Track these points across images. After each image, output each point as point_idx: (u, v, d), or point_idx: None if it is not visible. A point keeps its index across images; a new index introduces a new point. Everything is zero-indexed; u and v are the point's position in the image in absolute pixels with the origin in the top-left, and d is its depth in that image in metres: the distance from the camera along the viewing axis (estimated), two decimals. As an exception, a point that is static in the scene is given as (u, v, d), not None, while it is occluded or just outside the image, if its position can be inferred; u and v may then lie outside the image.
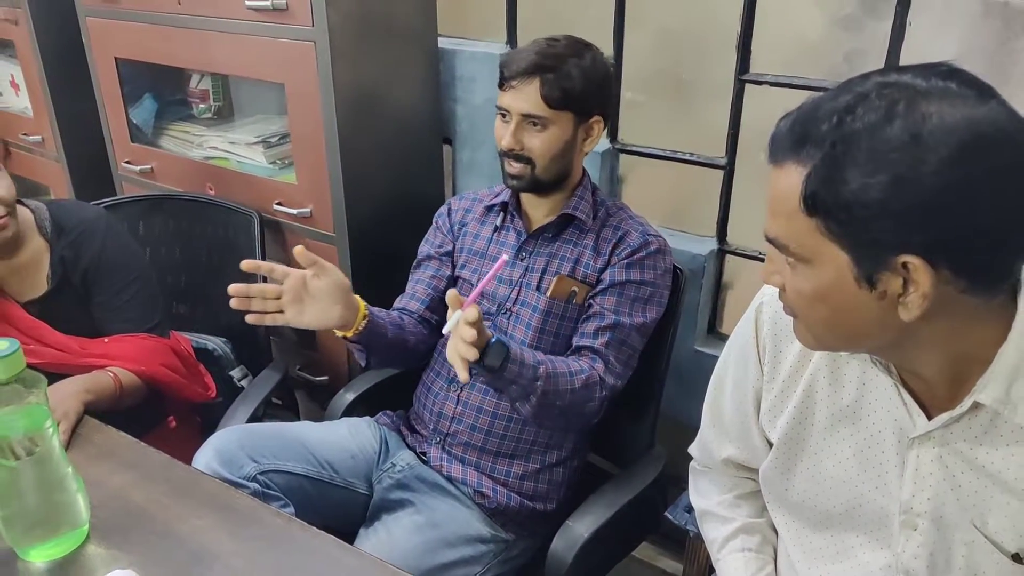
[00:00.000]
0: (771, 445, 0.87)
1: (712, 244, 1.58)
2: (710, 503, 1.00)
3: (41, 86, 2.01)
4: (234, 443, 1.18)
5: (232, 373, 1.54)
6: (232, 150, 1.76)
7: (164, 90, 1.94)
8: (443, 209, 1.43)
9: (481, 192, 1.41)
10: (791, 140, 0.63)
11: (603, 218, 1.31)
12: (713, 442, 0.99)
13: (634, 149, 1.63)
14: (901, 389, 0.74)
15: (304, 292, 1.10)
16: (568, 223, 1.31)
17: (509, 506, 1.27)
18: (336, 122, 1.47)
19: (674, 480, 1.30)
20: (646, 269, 1.27)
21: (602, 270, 1.28)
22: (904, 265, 0.61)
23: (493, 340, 1.07)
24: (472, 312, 0.99)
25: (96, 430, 1.13)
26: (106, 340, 1.35)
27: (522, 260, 1.32)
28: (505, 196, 1.35)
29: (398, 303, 1.38)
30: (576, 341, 1.26)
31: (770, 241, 0.68)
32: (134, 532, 0.93)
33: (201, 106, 1.94)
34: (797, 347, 0.82)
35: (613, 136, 1.64)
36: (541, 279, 1.29)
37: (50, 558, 0.90)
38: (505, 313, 1.31)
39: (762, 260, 1.33)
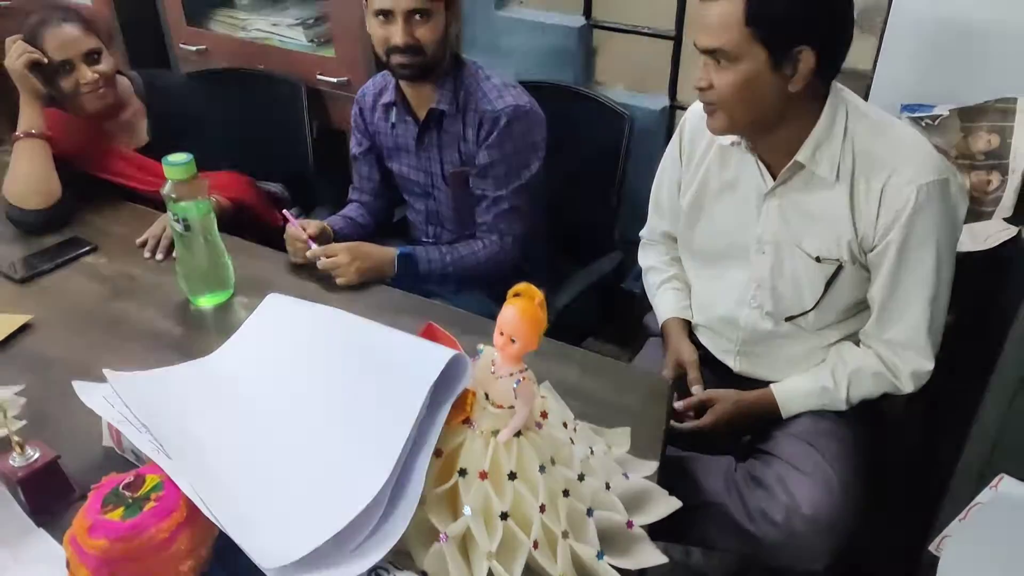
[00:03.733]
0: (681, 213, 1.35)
1: (665, 101, 2.00)
2: (654, 262, 1.50)
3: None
4: None
5: (290, 211, 1.96)
6: (275, 31, 2.13)
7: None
8: (355, 109, 1.67)
9: (374, 84, 1.64)
10: None
11: (464, 101, 1.50)
12: (654, 220, 1.48)
13: (604, 24, 2.01)
14: (759, 162, 1.20)
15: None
16: (441, 115, 1.53)
17: None
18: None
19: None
20: (505, 143, 1.48)
21: (474, 155, 1.52)
22: (799, 54, 1.04)
23: (399, 252, 1.46)
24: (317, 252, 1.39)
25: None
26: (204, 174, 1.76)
27: (424, 151, 1.58)
28: (390, 95, 1.57)
29: (352, 194, 1.74)
30: (478, 219, 1.57)
31: (706, 51, 1.09)
32: (264, 291, 1.39)
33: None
34: (703, 145, 1.28)
35: (588, 13, 2.01)
36: (442, 169, 1.58)
37: (210, 304, 1.36)
38: (429, 197, 1.66)
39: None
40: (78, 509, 0.96)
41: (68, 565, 0.83)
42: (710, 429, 1.31)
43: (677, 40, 1.92)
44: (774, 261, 1.24)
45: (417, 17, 1.40)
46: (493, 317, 1.30)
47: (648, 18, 1.95)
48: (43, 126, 1.58)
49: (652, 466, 1.00)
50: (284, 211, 1.48)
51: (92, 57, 1.60)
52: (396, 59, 1.44)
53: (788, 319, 1.27)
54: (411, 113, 1.58)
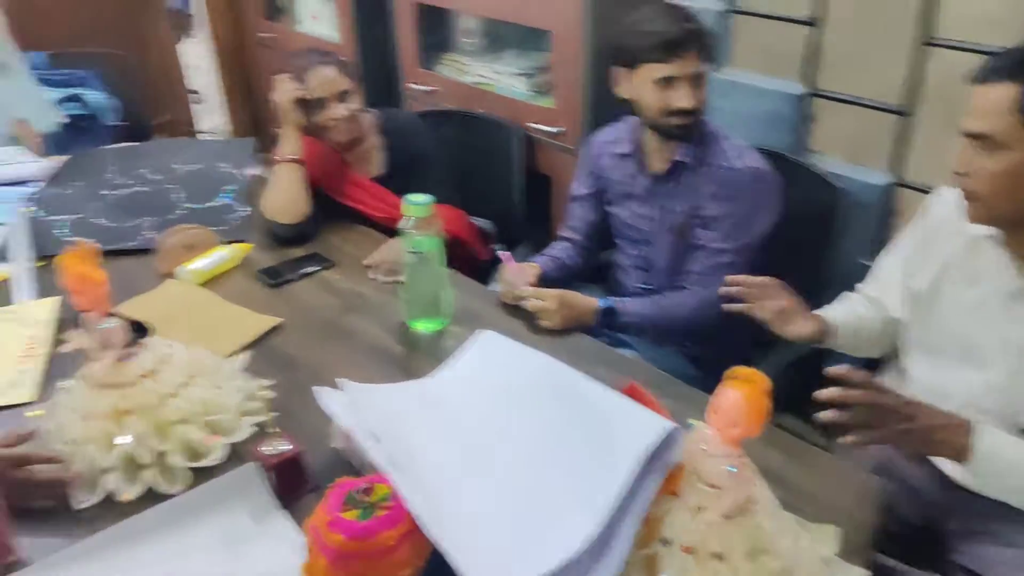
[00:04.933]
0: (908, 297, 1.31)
1: (886, 177, 1.94)
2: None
3: (348, 20, 2.63)
4: None
5: (495, 247, 2.10)
6: (497, 78, 2.29)
7: (436, 27, 2.49)
8: (585, 153, 1.78)
9: (606, 134, 1.74)
10: (1007, 65, 1.04)
11: (704, 156, 1.58)
12: (866, 283, 1.45)
13: (825, 94, 1.99)
14: (1014, 259, 1.16)
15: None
16: (681, 167, 1.61)
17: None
18: (590, 61, 1.95)
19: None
20: (740, 199, 1.55)
21: (705, 207, 1.58)
22: None
23: (602, 306, 1.53)
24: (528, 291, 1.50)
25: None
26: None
27: (655, 200, 1.66)
28: (627, 147, 1.68)
29: (563, 232, 1.83)
30: (690, 267, 1.63)
31: (971, 135, 1.08)
32: (474, 323, 1.51)
33: (466, 41, 2.47)
34: (949, 231, 1.25)
35: (808, 80, 2.00)
36: (668, 219, 1.64)
37: (427, 329, 1.50)
38: (647, 244, 1.72)
39: (926, 192, 1.68)
40: (311, 500, 1.11)
41: (308, 550, 0.96)
42: (867, 425, 1.05)
43: (905, 115, 1.86)
44: (1019, 366, 1.18)
45: (697, 81, 1.51)
46: (687, 378, 1.36)
47: (874, 89, 1.91)
48: (300, 152, 1.80)
49: (863, 574, 0.97)
50: (502, 252, 1.60)
51: (343, 96, 1.82)
52: (676, 121, 1.53)
53: None
54: (647, 164, 1.66)
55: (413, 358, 1.44)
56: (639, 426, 0.93)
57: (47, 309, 1.50)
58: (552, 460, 1.01)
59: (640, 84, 1.55)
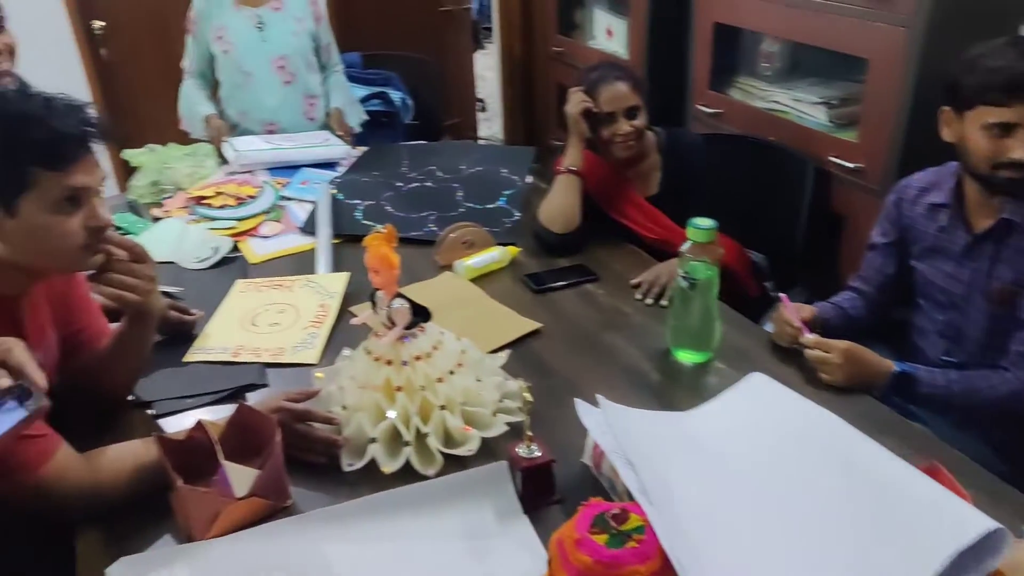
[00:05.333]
0: None
1: None
2: None
3: (643, 40, 2.62)
4: None
5: (766, 284, 1.96)
6: (794, 106, 2.15)
7: (733, 48, 2.39)
8: (892, 198, 1.56)
9: (919, 179, 1.53)
10: None
11: None
12: None
13: None
14: None
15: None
16: (1010, 228, 1.38)
17: None
18: (909, 95, 1.74)
19: None
20: None
21: None
22: None
23: (898, 370, 1.33)
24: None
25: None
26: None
27: (972, 261, 1.43)
28: (944, 196, 1.46)
29: (853, 282, 1.62)
30: (1012, 346, 1.37)
31: None
32: (741, 362, 1.40)
33: (765, 65, 2.35)
34: None
35: None
36: (987, 285, 1.41)
37: (689, 360, 1.42)
38: (956, 309, 1.47)
39: None
40: (553, 511, 1.08)
41: (549, 563, 0.93)
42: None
43: None
44: None
45: None
46: (988, 466, 1.15)
47: None
48: (581, 165, 1.81)
49: None
50: (781, 294, 1.48)
51: (632, 112, 1.79)
52: (1007, 174, 1.33)
53: None
54: (967, 219, 1.46)
55: (672, 388, 1.36)
56: (952, 518, 0.79)
57: (339, 282, 1.64)
58: (833, 530, 0.90)
59: (970, 128, 1.35)
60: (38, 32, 3.25)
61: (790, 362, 1.41)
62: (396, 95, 3.13)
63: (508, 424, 1.21)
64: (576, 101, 1.80)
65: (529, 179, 2.19)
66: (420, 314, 1.21)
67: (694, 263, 1.35)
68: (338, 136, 2.47)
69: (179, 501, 1.05)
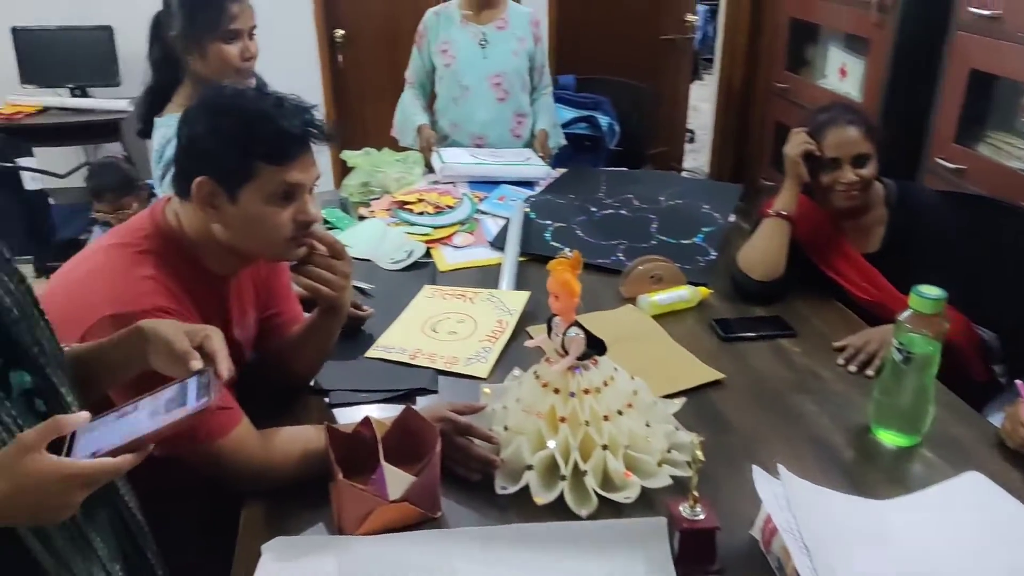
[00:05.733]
0: None
1: None
2: None
3: (881, 82, 2.41)
4: None
5: (995, 367, 1.70)
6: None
7: (989, 98, 2.12)
8: None
9: None
10: None
11: None
12: None
13: None
14: None
15: None
16: None
17: None
18: None
19: None
20: None
21: None
22: None
23: None
24: None
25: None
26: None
27: None
28: None
29: None
30: None
31: None
32: (955, 456, 1.21)
33: (1024, 120, 2.07)
34: None
35: None
36: None
37: (892, 442, 1.25)
38: None
39: None
40: (712, 584, 0.98)
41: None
42: None
43: None
44: None
45: None
46: None
47: None
48: (794, 210, 1.67)
49: None
50: (1019, 381, 1.27)
51: (860, 160, 1.63)
52: None
53: None
54: None
55: (867, 471, 1.20)
56: None
57: (520, 300, 1.63)
58: None
59: None
60: (287, 37, 3.61)
61: (1020, 466, 1.19)
62: (604, 120, 3.12)
63: (673, 477, 1.12)
64: (798, 142, 1.67)
65: (732, 218, 2.07)
66: (595, 346, 1.16)
67: (913, 335, 1.19)
68: (539, 157, 2.49)
69: (336, 493, 1.07)
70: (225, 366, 0.89)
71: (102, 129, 3.25)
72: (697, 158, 4.95)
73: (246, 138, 1.06)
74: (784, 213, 1.67)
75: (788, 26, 3.07)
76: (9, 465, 0.70)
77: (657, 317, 1.62)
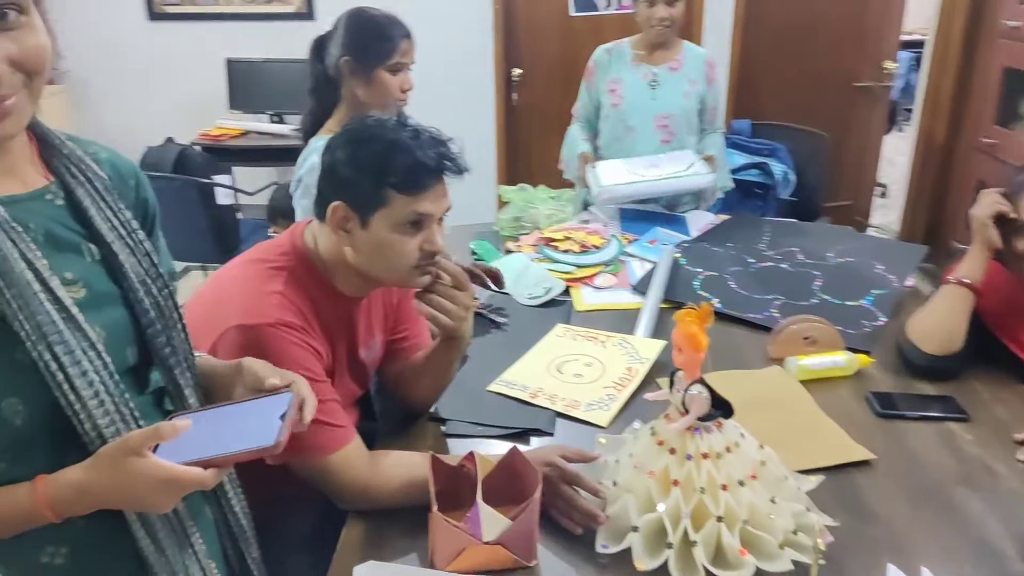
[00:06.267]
0: None
1: None
2: None
3: None
4: None
5: None
6: None
7: None
8: None
9: None
10: None
11: None
12: None
13: None
14: None
15: None
16: None
17: None
18: None
19: None
20: None
21: None
22: None
23: None
24: None
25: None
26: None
27: None
28: None
29: None
30: None
31: None
32: None
33: None
34: None
35: None
36: None
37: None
38: None
39: None
40: None
41: None
42: None
43: None
44: None
45: None
46: None
47: None
48: (979, 278, 1.48)
49: None
50: None
51: None
52: None
53: None
54: None
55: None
56: None
57: (654, 349, 1.55)
58: None
59: None
60: (468, 76, 3.77)
61: None
62: (778, 167, 2.95)
63: (795, 563, 1.00)
64: (988, 203, 1.48)
65: (910, 282, 1.87)
66: (721, 407, 1.07)
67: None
68: (703, 161, 2.34)
69: (431, 525, 1.06)
70: (309, 411, 0.89)
71: (292, 153, 3.54)
72: (887, 214, 4.57)
73: (381, 166, 1.09)
74: (967, 281, 1.48)
75: (1001, 76, 2.76)
76: (112, 461, 0.75)
77: (806, 383, 1.48)
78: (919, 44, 3.98)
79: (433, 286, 1.20)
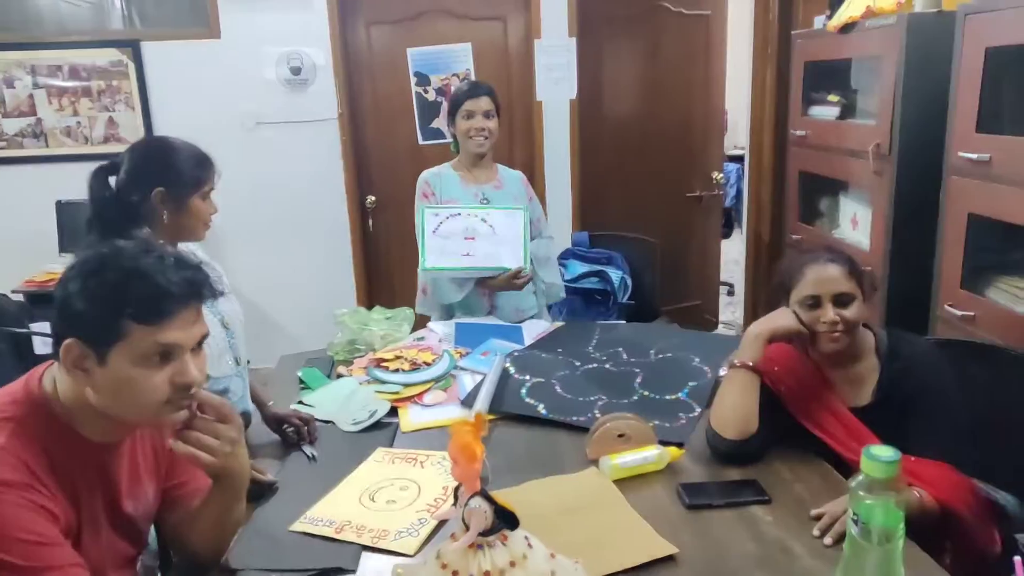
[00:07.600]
0: None
1: None
2: None
3: (885, 229, 2.32)
4: None
5: (1018, 536, 1.48)
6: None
7: (995, 243, 2.00)
8: None
9: None
10: None
11: None
12: None
13: None
14: None
15: None
16: None
17: None
18: None
19: None
20: None
21: None
22: None
23: None
24: None
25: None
26: (912, 459, 1.47)
27: None
28: None
29: None
30: None
31: None
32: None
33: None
34: None
35: None
36: None
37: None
38: None
39: None
40: None
41: None
42: None
43: None
44: None
45: None
46: None
47: None
48: (758, 358, 1.56)
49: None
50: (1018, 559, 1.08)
51: (842, 299, 1.53)
52: None
53: None
54: None
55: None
56: None
57: (473, 463, 1.52)
58: None
59: None
60: (321, 206, 3.79)
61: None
62: (615, 274, 3.09)
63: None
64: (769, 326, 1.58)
65: (723, 371, 1.95)
66: (504, 519, 1.05)
67: (868, 503, 1.04)
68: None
69: None
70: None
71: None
72: (735, 311, 4.85)
73: (116, 296, 1.03)
74: (749, 363, 1.56)
75: (798, 179, 3.06)
76: None
77: (622, 481, 1.49)
78: (742, 158, 4.38)
79: (191, 422, 1.12)
